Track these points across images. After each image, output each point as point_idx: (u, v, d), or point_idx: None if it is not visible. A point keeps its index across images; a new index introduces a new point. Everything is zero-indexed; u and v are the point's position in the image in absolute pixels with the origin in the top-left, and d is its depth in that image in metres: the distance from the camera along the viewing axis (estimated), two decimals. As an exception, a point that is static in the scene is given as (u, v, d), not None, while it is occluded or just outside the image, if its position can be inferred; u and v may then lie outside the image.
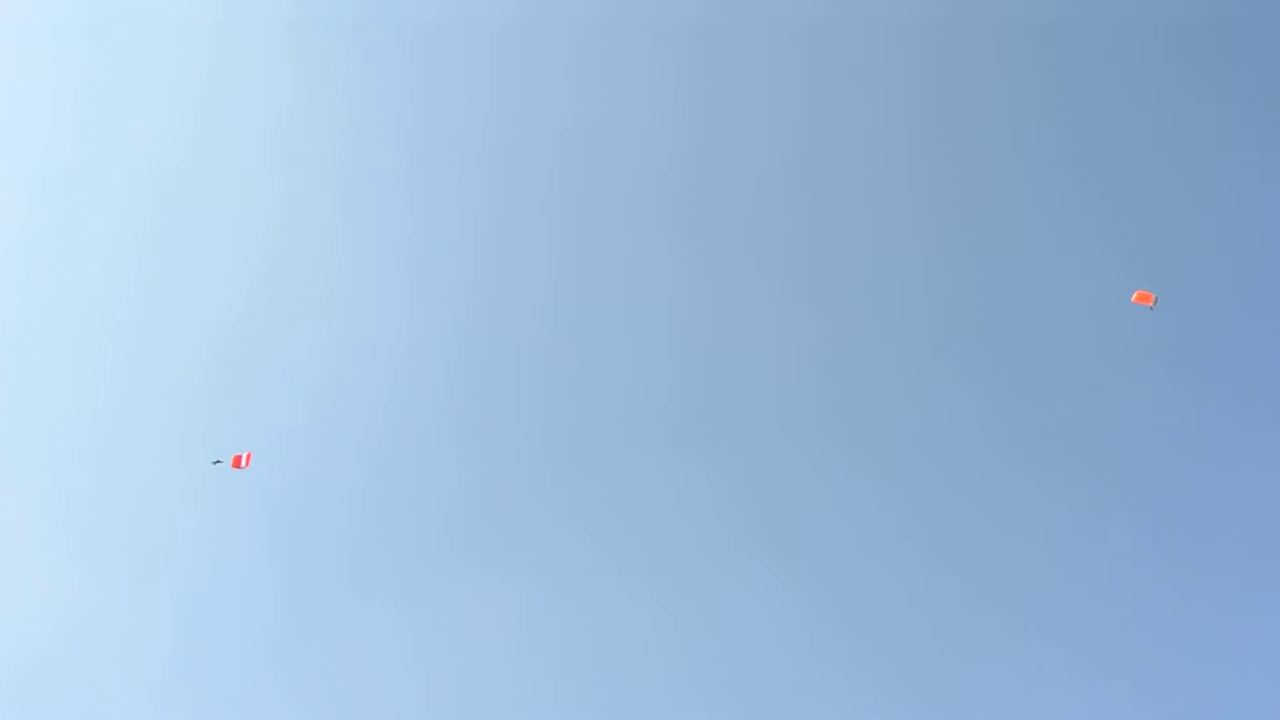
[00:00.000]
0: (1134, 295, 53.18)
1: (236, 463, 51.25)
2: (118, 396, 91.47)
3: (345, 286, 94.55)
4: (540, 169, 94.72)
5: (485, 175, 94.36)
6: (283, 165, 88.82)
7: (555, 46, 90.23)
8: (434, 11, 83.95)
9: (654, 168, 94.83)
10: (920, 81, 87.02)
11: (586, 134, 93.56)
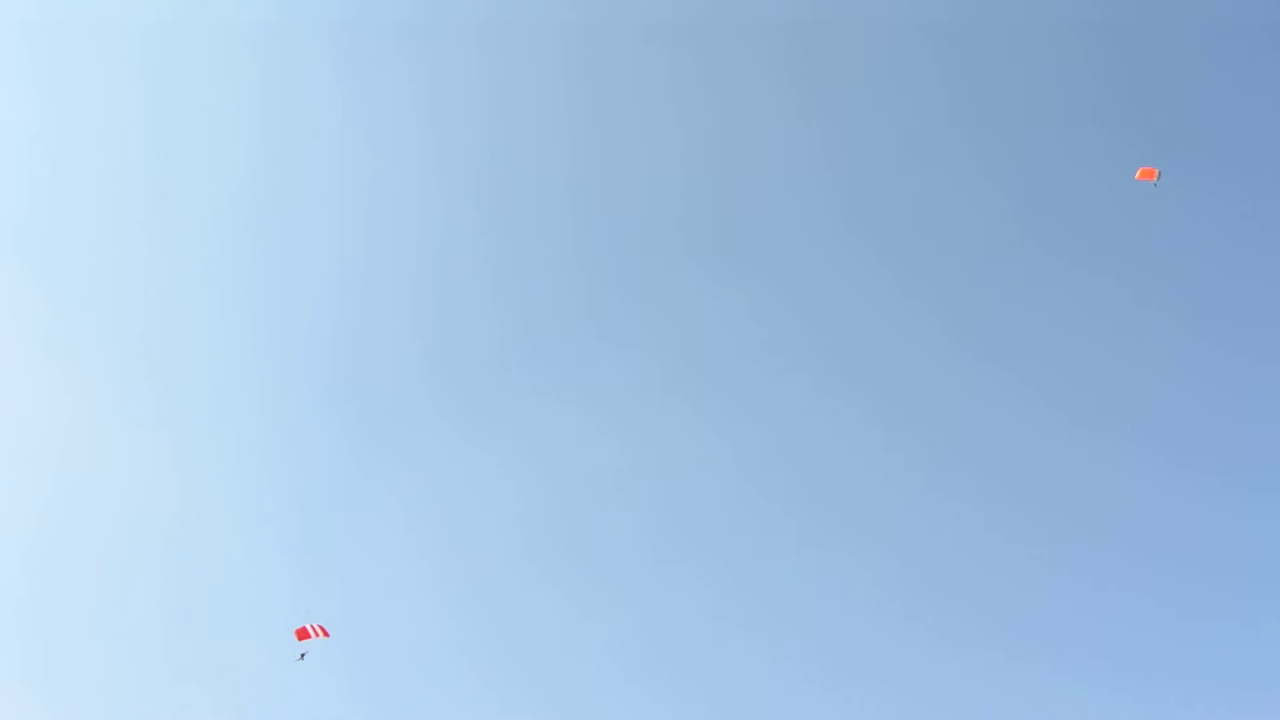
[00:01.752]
0: (1138, 172, 54.57)
1: (305, 635, 52.94)
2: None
3: (358, 129, 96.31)
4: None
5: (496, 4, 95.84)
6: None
7: None
8: None
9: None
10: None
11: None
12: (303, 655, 52.66)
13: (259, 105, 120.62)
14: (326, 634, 52.30)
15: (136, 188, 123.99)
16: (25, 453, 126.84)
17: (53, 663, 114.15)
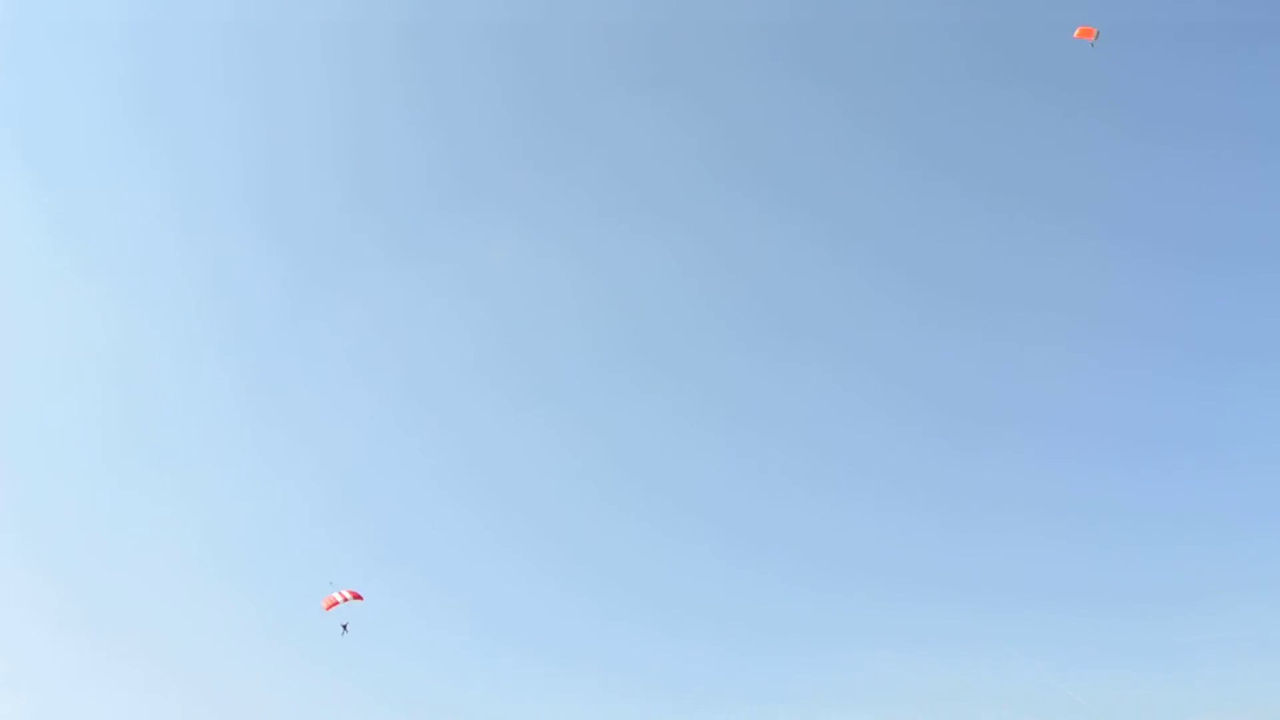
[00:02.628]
0: (1077, 31, 53.97)
1: (334, 603, 52.29)
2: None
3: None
4: None
5: None
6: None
7: None
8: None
9: None
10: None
11: None
12: (345, 626, 52.41)
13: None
14: (359, 597, 51.76)
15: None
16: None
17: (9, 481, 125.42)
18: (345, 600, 52.39)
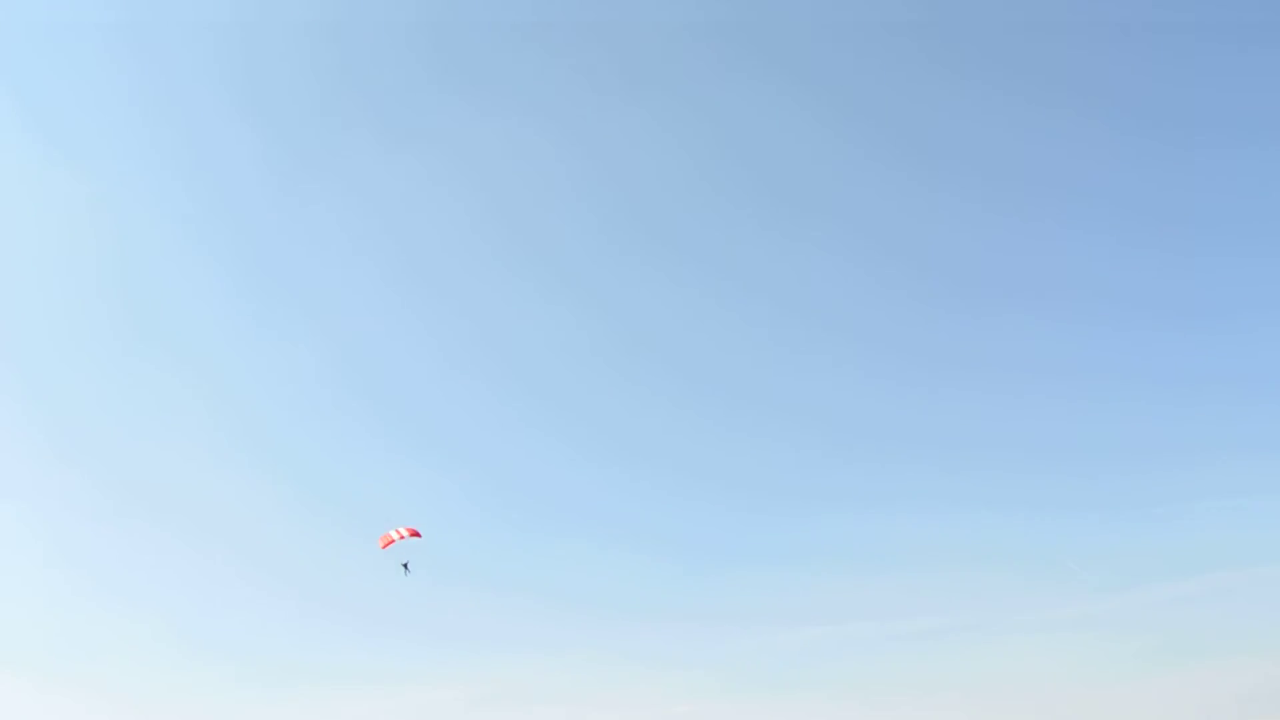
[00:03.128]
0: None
1: (389, 541, 52.85)
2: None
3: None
4: None
5: None
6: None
7: None
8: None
9: None
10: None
11: None
12: (406, 565, 52.87)
13: None
14: (417, 534, 52.57)
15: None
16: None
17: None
18: (402, 538, 52.63)
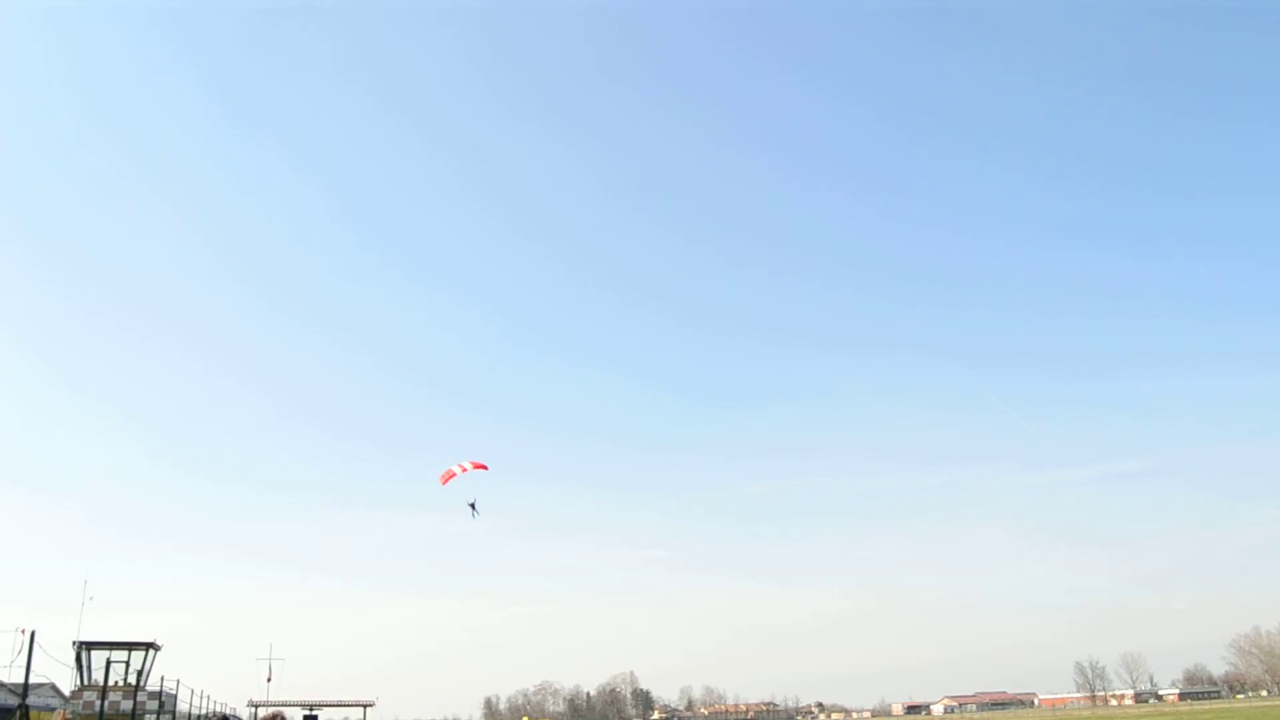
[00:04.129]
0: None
1: (451, 476, 49.64)
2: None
3: None
4: None
5: None
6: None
7: None
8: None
9: None
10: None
11: None
12: (473, 505, 49.67)
13: None
14: (483, 467, 49.59)
15: None
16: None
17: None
18: (465, 471, 48.94)
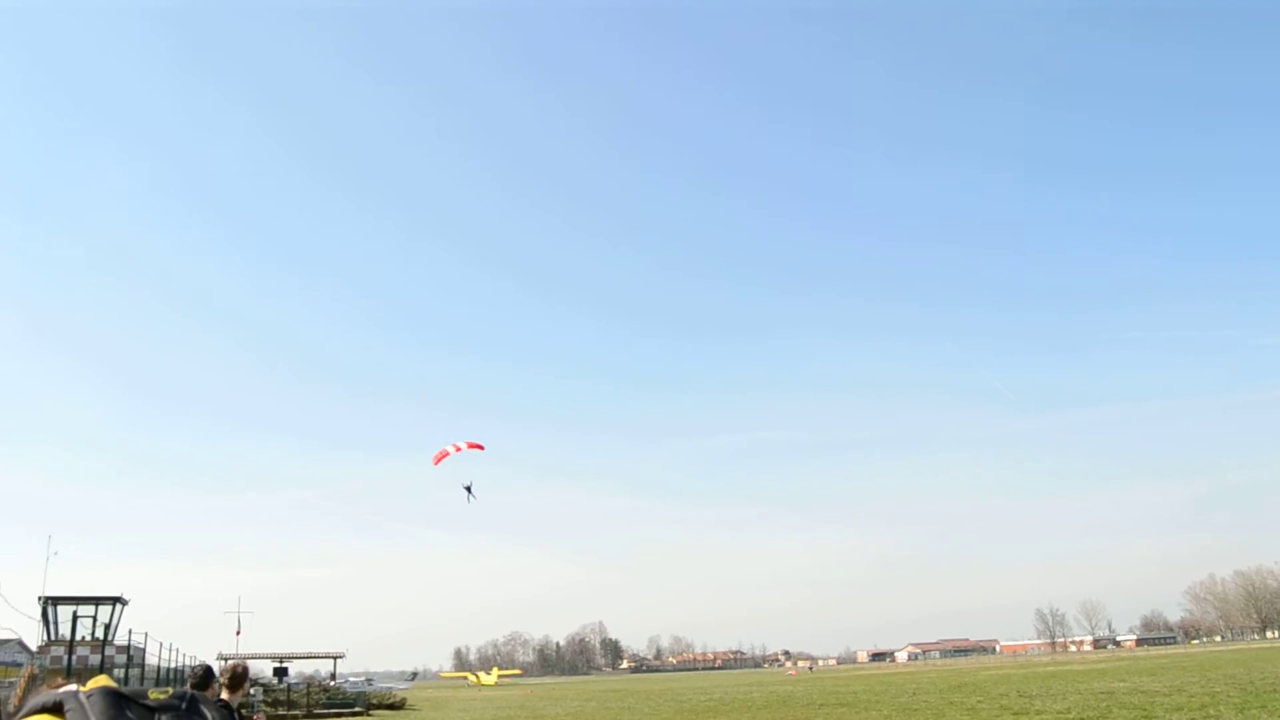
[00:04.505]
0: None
1: (444, 455, 47.48)
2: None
3: None
4: None
5: None
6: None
7: None
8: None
9: None
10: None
11: None
12: (469, 489, 46.18)
13: None
14: (479, 446, 46.99)
15: None
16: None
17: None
18: (460, 451, 46.26)
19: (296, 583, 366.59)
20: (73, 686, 1.79)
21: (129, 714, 1.65)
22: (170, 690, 1.79)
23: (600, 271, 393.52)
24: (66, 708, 1.69)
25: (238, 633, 68.84)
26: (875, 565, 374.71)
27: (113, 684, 1.76)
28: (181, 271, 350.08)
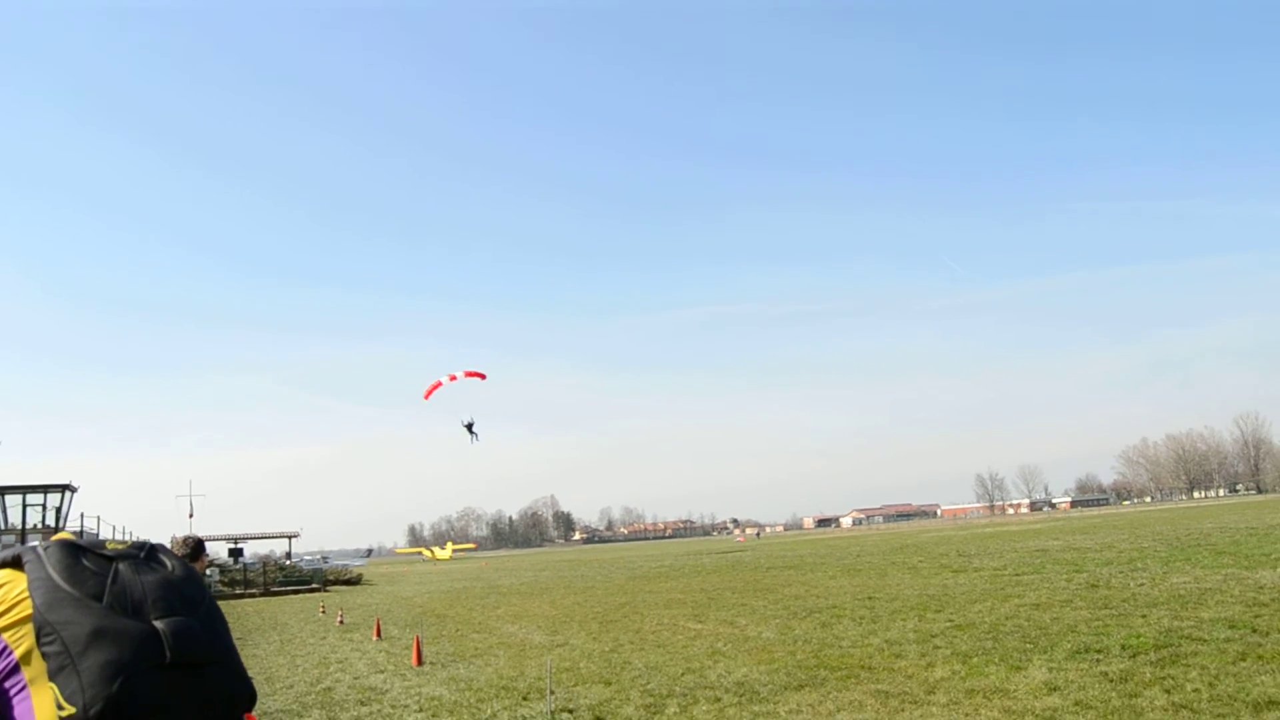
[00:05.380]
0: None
1: (436, 386, 43.75)
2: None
3: None
4: None
5: None
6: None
7: None
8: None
9: None
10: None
11: None
12: (470, 427, 45.12)
13: None
14: (479, 375, 43.71)
15: None
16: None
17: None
18: (455, 380, 42.24)
19: (249, 467, 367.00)
20: (33, 543, 1.80)
21: (85, 563, 1.64)
22: (129, 541, 1.79)
23: (553, 155, 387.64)
24: (25, 560, 1.68)
25: (190, 516, 68.96)
26: (823, 436, 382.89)
27: (71, 536, 1.76)
28: (111, 186, 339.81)
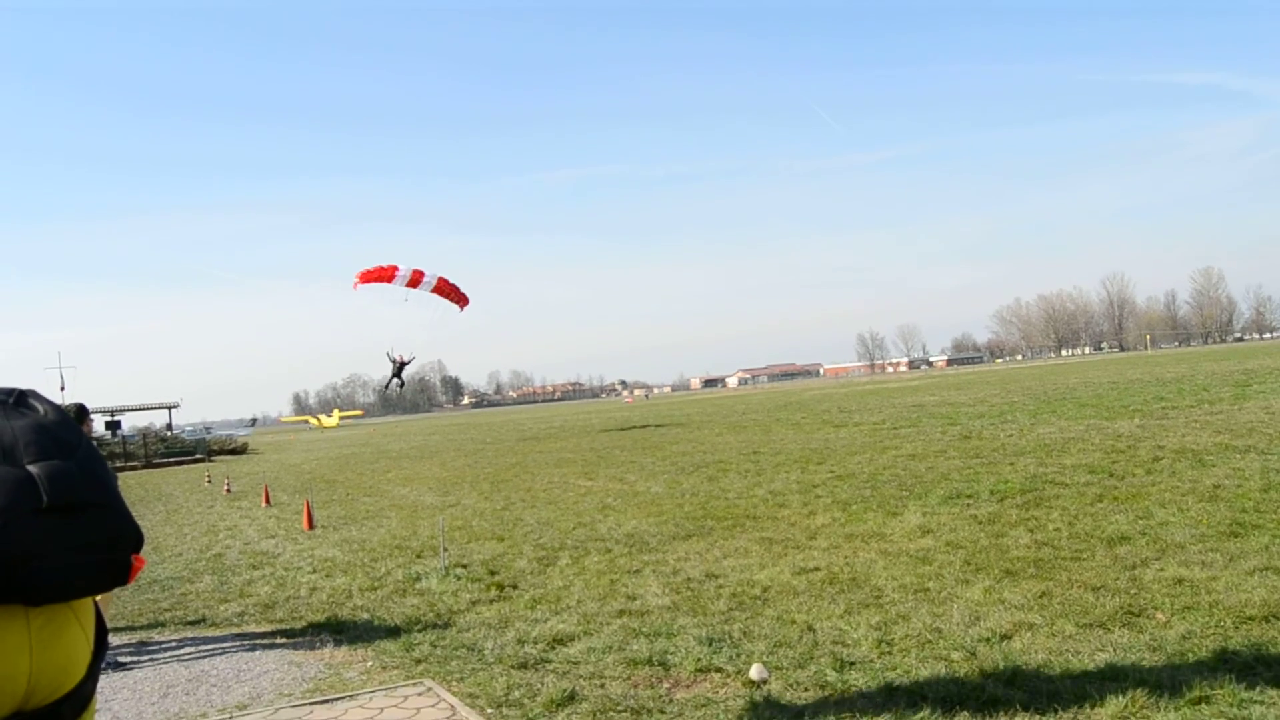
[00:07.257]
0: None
1: (379, 278, 36.46)
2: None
3: None
4: None
5: None
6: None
7: None
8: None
9: None
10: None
11: None
12: (399, 373, 42.22)
13: None
14: (460, 301, 38.75)
15: None
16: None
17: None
18: (415, 286, 34.54)
19: (122, 337, 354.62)
20: None
21: None
22: None
23: (423, 22, 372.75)
24: None
25: (61, 389, 66.64)
26: (706, 298, 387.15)
27: None
28: None
